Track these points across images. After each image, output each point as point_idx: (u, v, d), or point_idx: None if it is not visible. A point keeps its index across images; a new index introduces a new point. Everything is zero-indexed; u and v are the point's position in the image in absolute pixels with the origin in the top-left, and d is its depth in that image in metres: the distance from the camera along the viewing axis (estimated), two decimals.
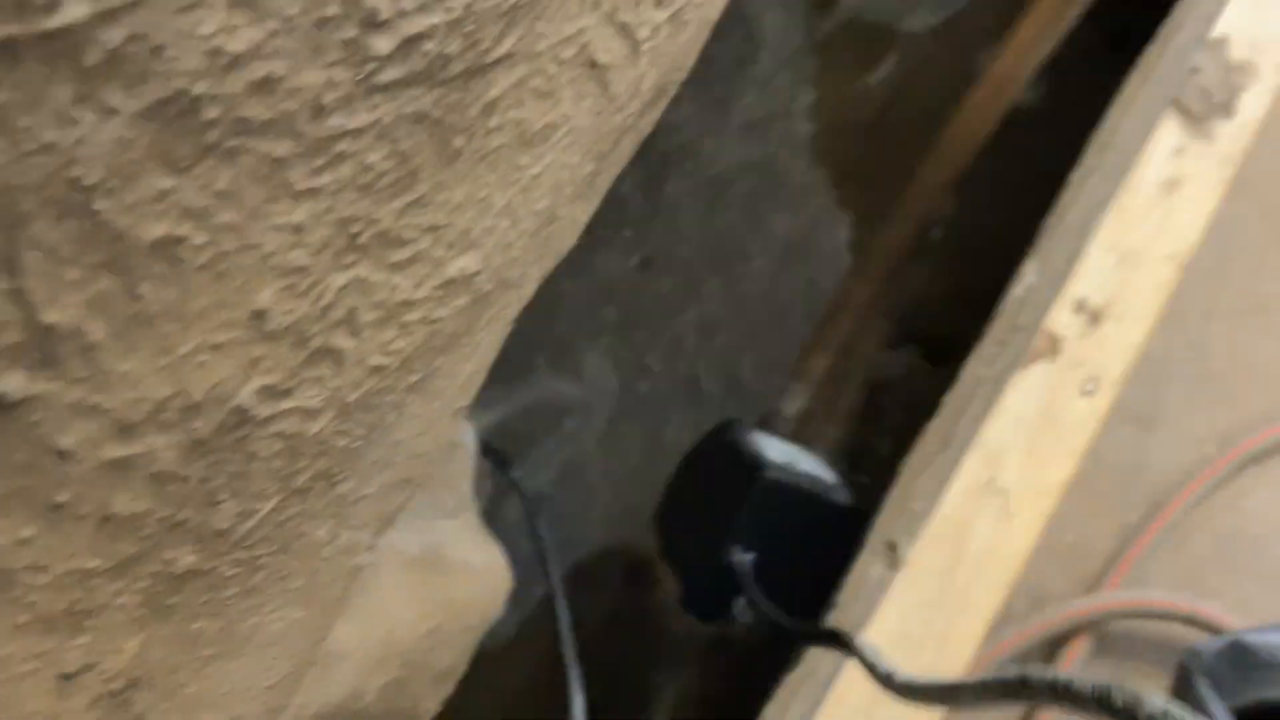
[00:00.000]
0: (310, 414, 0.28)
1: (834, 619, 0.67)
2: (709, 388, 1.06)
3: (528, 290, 0.38)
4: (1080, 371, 0.96)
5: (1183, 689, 1.07)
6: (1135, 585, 1.18)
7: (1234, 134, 1.09)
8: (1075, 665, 1.17)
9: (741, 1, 1.14)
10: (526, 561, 0.94)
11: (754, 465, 0.75)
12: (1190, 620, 1.15)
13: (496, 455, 0.77)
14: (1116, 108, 0.74)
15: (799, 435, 0.87)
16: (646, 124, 0.39)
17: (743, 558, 0.72)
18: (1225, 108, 1.10)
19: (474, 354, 0.37)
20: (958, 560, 1.05)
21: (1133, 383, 1.10)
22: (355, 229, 0.25)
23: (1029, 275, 0.72)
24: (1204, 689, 1.05)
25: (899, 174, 1.12)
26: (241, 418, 0.25)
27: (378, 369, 0.30)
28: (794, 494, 0.75)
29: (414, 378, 0.33)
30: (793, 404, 0.76)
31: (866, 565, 0.67)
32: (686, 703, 1.03)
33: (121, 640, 0.25)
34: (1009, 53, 0.70)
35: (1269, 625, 1.07)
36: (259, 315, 0.23)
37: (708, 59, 1.17)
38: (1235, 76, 1.12)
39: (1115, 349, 0.97)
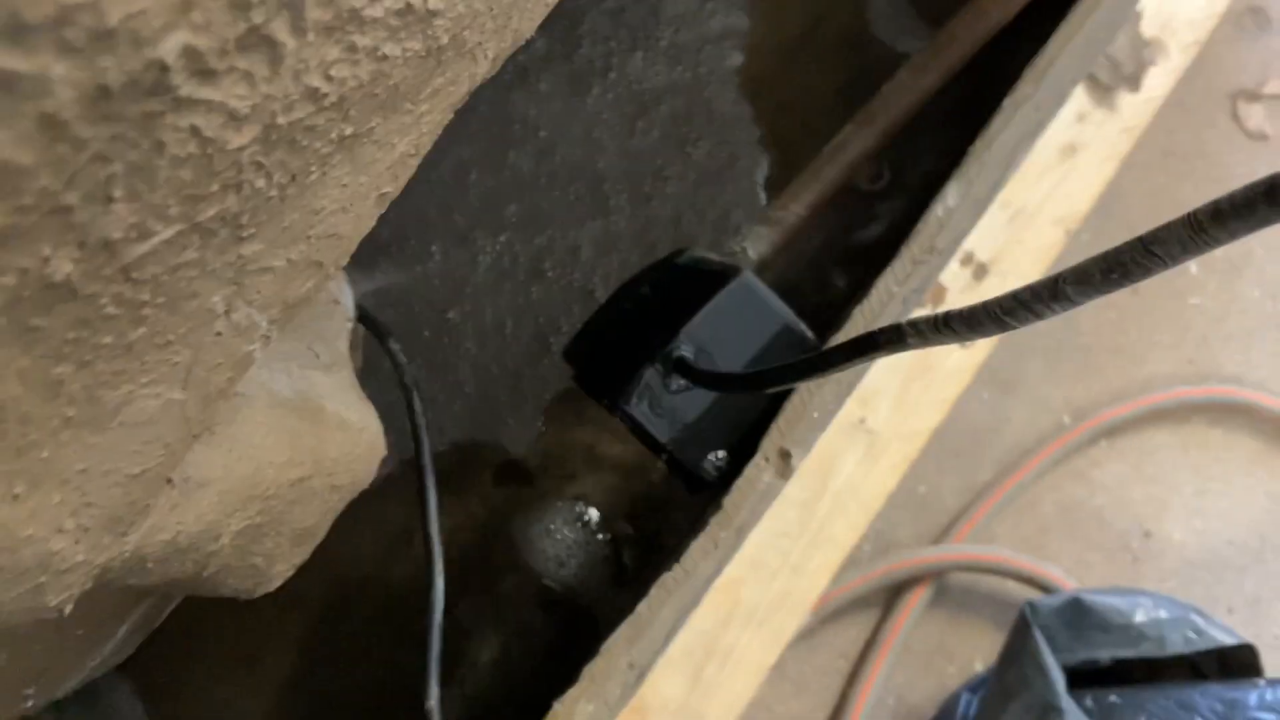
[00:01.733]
0: (234, 120, 0.23)
1: (717, 521, 0.64)
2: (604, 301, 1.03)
3: (480, 70, 0.33)
4: None
5: (1019, 639, 1.09)
6: (979, 541, 1.21)
7: (1137, 108, 1.11)
8: (915, 611, 1.19)
9: None
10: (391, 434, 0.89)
11: (731, 267, 0.70)
12: (1029, 580, 1.18)
13: (374, 323, 0.72)
14: (1056, 40, 0.73)
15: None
16: None
17: (688, 351, 0.66)
18: (1132, 80, 1.12)
19: (411, 129, 0.32)
20: (821, 494, 1.05)
21: (998, 347, 1.11)
22: None
23: (950, 197, 0.71)
24: (1039, 641, 1.07)
25: (827, 114, 1.10)
26: (159, 81, 0.20)
27: (313, 94, 0.25)
28: (766, 308, 0.69)
29: (348, 129, 0.28)
30: (756, 247, 0.73)
31: (757, 471, 0.65)
32: (534, 613, 1.00)
33: None
34: None
35: (1109, 588, 1.10)
36: None
37: None
38: (1145, 52, 1.13)
39: None
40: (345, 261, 0.33)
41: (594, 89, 1.10)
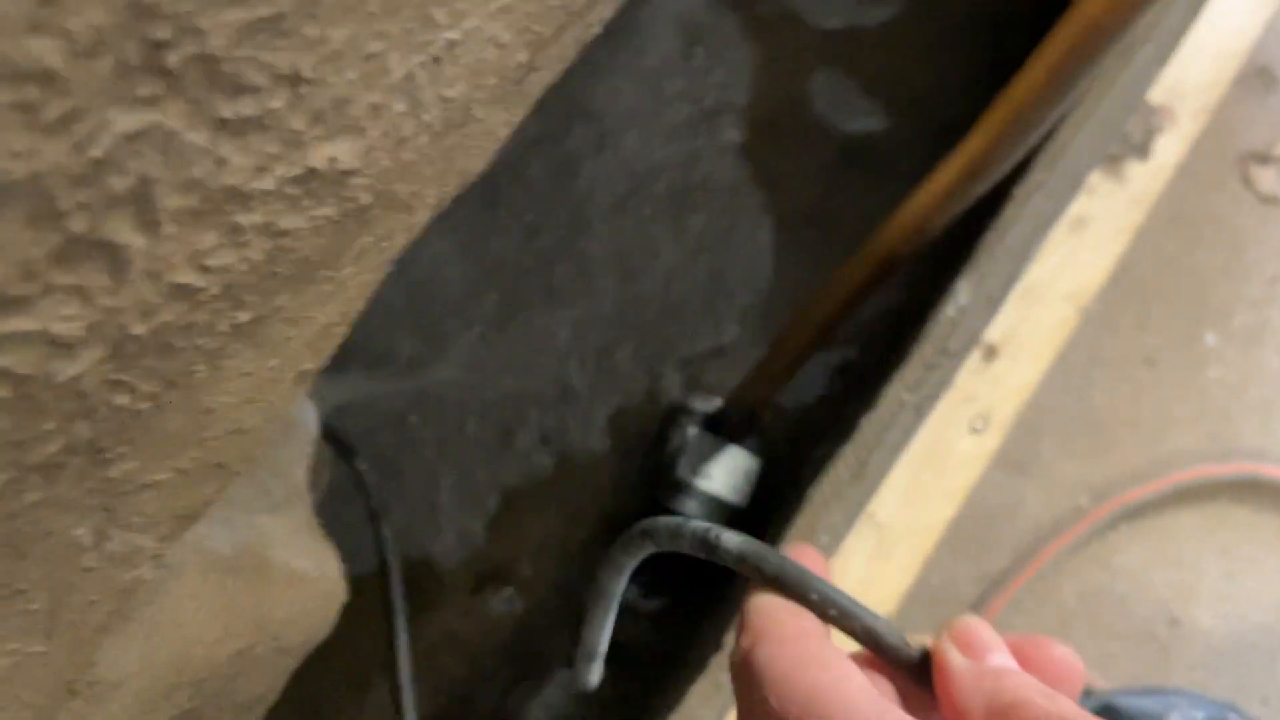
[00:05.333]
0: (61, 348, 0.17)
1: (718, 663, 0.58)
2: (579, 386, 0.97)
3: (419, 220, 0.28)
4: (971, 408, 0.90)
5: None
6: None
7: (1147, 178, 1.06)
8: None
9: None
10: (356, 551, 0.83)
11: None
12: None
13: (340, 441, 0.66)
14: (1068, 123, 0.68)
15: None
16: (594, 19, 0.30)
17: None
18: (1141, 149, 1.07)
19: (334, 297, 0.26)
20: None
21: (1010, 427, 1.06)
22: (158, 33, 0.15)
23: (961, 295, 0.65)
24: None
25: (828, 185, 1.06)
26: None
27: (183, 291, 0.20)
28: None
29: (243, 316, 0.23)
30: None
31: None
32: None
33: None
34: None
35: (1141, 689, 1.03)
36: None
37: (639, 49, 1.08)
38: (1153, 119, 1.09)
39: (1008, 387, 0.92)
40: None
41: (585, 169, 1.05)
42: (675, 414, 0.86)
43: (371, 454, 0.82)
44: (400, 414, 0.91)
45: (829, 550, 0.61)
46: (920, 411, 0.64)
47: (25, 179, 0.14)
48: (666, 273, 1.02)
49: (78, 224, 0.16)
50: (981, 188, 0.56)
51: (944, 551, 1.18)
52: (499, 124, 0.28)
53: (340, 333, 0.28)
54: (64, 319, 0.17)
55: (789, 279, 1.04)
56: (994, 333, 1.01)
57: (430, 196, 0.27)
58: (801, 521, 0.61)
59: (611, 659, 0.87)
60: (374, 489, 0.65)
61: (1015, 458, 1.22)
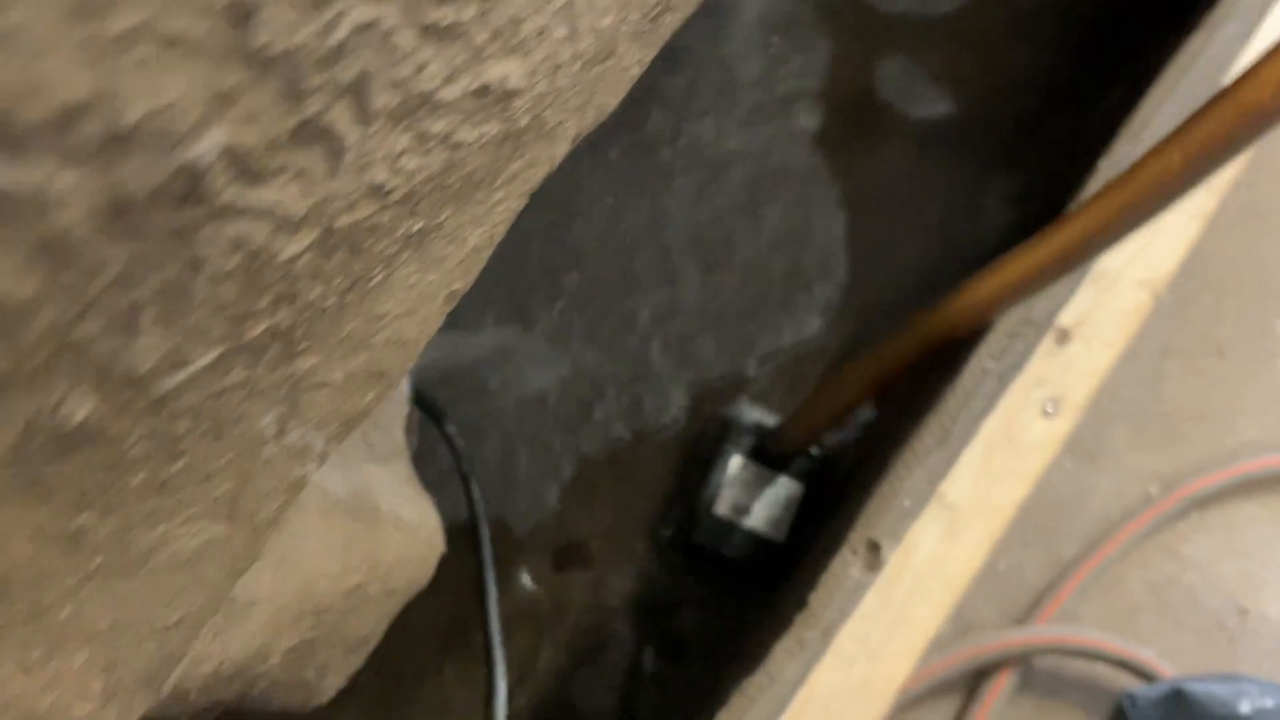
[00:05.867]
0: (286, 225, 0.19)
1: (802, 620, 0.60)
2: (659, 368, 0.99)
3: (559, 151, 0.29)
4: (1043, 391, 0.91)
5: None
6: (1066, 622, 1.14)
7: None
8: (1000, 698, 1.12)
9: None
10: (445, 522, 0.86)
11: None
12: (1121, 663, 1.11)
13: (429, 405, 0.68)
14: (1148, 102, 0.68)
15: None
16: None
17: None
18: None
19: (485, 219, 0.28)
20: (899, 575, 0.99)
21: (1081, 414, 1.06)
22: None
23: None
24: None
25: (901, 172, 1.07)
26: (193, 188, 0.16)
27: (378, 190, 0.22)
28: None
29: (416, 224, 0.25)
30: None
31: (844, 565, 0.60)
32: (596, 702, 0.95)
33: None
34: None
35: (1210, 675, 1.03)
36: (238, 6, 0.14)
37: (717, 39, 1.10)
38: None
39: (1081, 371, 0.92)
40: (410, 366, 0.29)
41: (663, 155, 1.07)
42: (721, 436, 0.88)
43: (453, 419, 0.85)
44: (482, 381, 0.94)
45: (911, 516, 0.62)
46: (1003, 380, 0.65)
47: (283, 54, 0.16)
48: (745, 263, 1.04)
49: (314, 106, 0.18)
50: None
51: (1013, 537, 1.18)
52: (633, 62, 0.30)
53: (484, 257, 0.30)
54: (291, 199, 0.19)
55: (865, 269, 1.05)
56: (1067, 316, 1.01)
57: (571, 128, 0.29)
58: (885, 486, 0.62)
59: (668, 650, 0.89)
60: (463, 453, 0.67)
61: (1086, 446, 1.22)
